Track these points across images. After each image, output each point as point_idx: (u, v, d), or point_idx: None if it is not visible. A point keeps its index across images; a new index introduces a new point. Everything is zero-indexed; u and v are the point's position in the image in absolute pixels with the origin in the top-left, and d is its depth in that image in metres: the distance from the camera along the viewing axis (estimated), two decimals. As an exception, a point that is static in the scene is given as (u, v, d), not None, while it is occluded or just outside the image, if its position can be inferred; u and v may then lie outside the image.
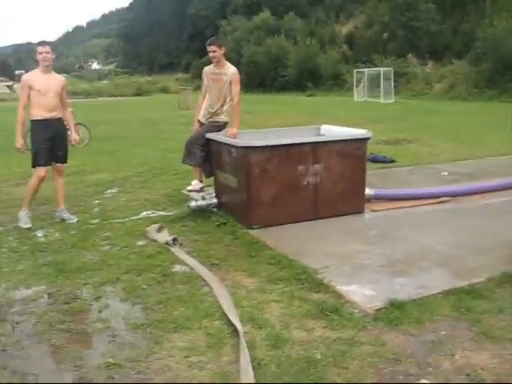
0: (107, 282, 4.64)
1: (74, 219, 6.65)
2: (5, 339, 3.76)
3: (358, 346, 3.47)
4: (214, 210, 6.63)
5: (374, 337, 3.59)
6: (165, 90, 57.01)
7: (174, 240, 5.49)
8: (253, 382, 3.06)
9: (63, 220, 6.64)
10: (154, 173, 9.59)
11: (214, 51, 6.79)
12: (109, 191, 8.01)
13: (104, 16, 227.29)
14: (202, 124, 7.13)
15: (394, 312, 3.89)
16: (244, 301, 4.16)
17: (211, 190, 6.96)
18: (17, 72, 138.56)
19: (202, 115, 7.15)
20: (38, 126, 6.39)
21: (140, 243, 5.66)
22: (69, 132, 6.81)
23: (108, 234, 6.06)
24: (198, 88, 47.24)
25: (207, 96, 7.10)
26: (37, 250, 5.60)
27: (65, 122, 6.73)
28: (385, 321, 3.79)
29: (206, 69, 7.13)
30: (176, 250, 5.34)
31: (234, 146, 6.08)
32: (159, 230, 5.83)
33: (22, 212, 6.50)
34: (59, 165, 6.66)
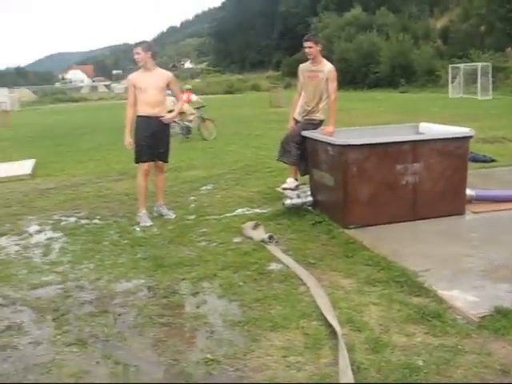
0: (204, 277, 4.70)
1: (172, 215, 6.80)
2: (108, 330, 3.88)
3: (462, 355, 3.30)
4: (309, 208, 6.57)
5: (479, 345, 3.41)
6: (256, 88, 57.38)
7: (270, 238, 5.48)
8: (353, 386, 2.99)
9: (161, 215, 6.80)
10: (247, 170, 9.64)
11: (310, 47, 6.72)
12: (204, 188, 8.14)
13: (197, 16, 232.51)
14: (297, 122, 7.09)
15: (501, 320, 3.67)
16: (342, 302, 4.08)
17: (306, 188, 6.90)
18: (114, 72, 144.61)
19: (297, 113, 7.11)
20: (141, 122, 6.57)
21: (236, 240, 5.69)
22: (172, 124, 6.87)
23: (204, 230, 6.14)
24: (288, 86, 47.40)
25: (303, 93, 7.04)
26: (136, 244, 5.77)
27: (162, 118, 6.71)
28: (490, 329, 3.59)
29: (302, 66, 7.07)
30: (272, 247, 5.33)
31: (330, 144, 5.99)
32: (255, 227, 5.84)
33: (140, 214, 6.67)
34: (160, 163, 6.83)
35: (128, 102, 6.67)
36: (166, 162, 6.92)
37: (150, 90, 6.51)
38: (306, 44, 6.73)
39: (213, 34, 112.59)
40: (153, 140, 6.58)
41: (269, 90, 35.71)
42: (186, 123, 15.33)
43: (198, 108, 15.87)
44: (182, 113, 14.96)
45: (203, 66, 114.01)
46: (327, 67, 6.75)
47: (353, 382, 3.03)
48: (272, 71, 76.79)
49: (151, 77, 6.57)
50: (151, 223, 6.53)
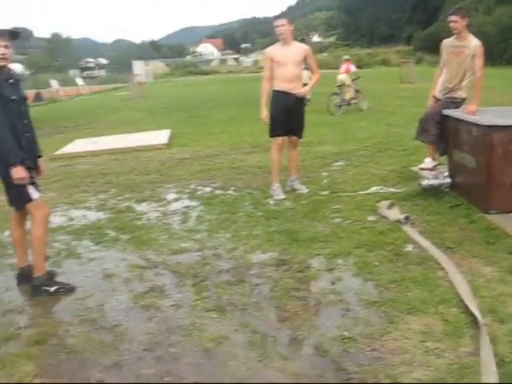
0: (339, 254, 4.68)
1: (305, 189, 6.82)
2: (245, 299, 3.98)
3: None
4: (447, 190, 6.30)
5: None
6: (385, 63, 55.85)
7: (406, 218, 5.34)
8: (496, 379, 2.86)
9: (294, 190, 6.84)
10: (379, 147, 9.42)
11: (455, 21, 6.36)
12: (336, 164, 8.08)
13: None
14: (437, 100, 6.80)
15: None
16: (483, 290, 3.89)
17: (444, 170, 6.63)
18: (242, 45, 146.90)
19: (438, 90, 6.82)
20: (277, 96, 6.56)
21: (370, 218, 5.60)
22: (306, 101, 6.87)
23: (338, 206, 6.10)
24: (420, 61, 45.74)
25: (445, 70, 6.73)
26: (271, 216, 5.86)
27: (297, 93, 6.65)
28: None
29: (446, 41, 6.73)
30: (408, 229, 5.19)
31: (474, 124, 5.69)
32: (390, 206, 5.71)
33: (273, 187, 6.75)
34: (294, 138, 6.82)
35: (264, 76, 6.67)
36: (301, 137, 6.90)
37: (289, 65, 6.48)
38: (451, 18, 6.38)
39: (342, 8, 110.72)
40: (288, 115, 6.57)
41: (399, 65, 34.58)
42: (345, 95, 15.63)
43: (354, 80, 16.05)
44: (341, 85, 15.51)
45: (331, 39, 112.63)
46: (473, 43, 6.39)
47: (496, 375, 2.89)
48: (403, 45, 74.23)
49: (289, 50, 6.51)
50: (284, 197, 6.58)
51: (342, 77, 15.83)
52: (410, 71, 28.87)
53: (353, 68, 16.52)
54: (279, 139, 6.69)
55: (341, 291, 4.02)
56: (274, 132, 6.68)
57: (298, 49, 6.62)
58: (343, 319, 3.62)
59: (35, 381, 3.15)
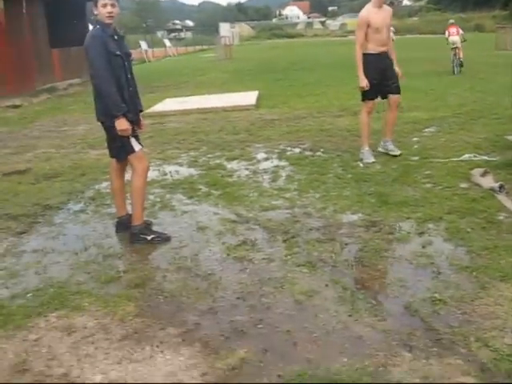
0: (430, 219, 4.65)
1: (398, 151, 6.77)
2: (335, 257, 4.06)
3: None
4: (545, 159, 6.08)
5: None
6: (479, 29, 53.36)
7: (501, 187, 5.20)
8: None
9: (387, 151, 6.82)
10: (472, 115, 9.14)
11: None
12: (427, 130, 7.92)
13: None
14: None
15: None
16: None
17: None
18: (330, 8, 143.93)
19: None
20: (371, 59, 6.49)
21: (462, 185, 5.50)
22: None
23: (429, 172, 6.02)
24: (517, 27, 43.27)
25: None
26: (360, 179, 5.87)
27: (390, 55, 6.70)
28: None
29: None
30: (502, 197, 5.07)
31: None
32: (483, 174, 5.58)
33: (363, 150, 6.74)
34: (396, 96, 6.75)
35: (358, 41, 6.52)
36: (399, 93, 6.79)
37: (384, 28, 6.46)
38: None
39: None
40: (383, 76, 6.55)
41: (495, 30, 33.01)
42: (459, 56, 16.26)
43: (462, 42, 16.65)
44: (455, 47, 16.23)
45: (422, 3, 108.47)
46: None
47: None
48: (499, 10, 70.61)
49: (384, 13, 6.48)
50: (374, 160, 6.57)
51: (455, 38, 16.53)
52: (506, 37, 27.51)
53: (460, 30, 17.11)
54: (370, 103, 6.71)
55: (432, 255, 4.01)
56: (367, 96, 6.67)
57: (388, 11, 6.60)
58: (434, 282, 3.62)
59: (136, 319, 3.36)
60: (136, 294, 3.69)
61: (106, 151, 7.66)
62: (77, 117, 12.14)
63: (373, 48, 6.48)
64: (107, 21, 4.34)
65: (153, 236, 4.61)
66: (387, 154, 6.79)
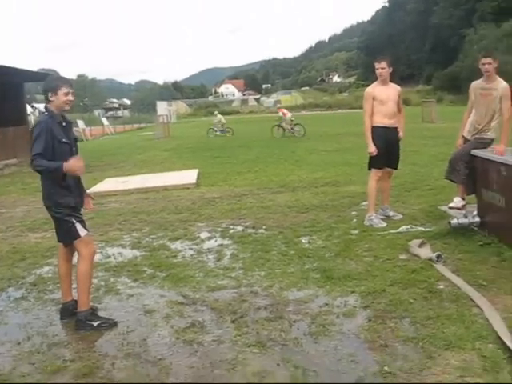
0: (374, 292, 4.77)
1: (399, 215, 7.35)
2: (284, 335, 4.09)
3: None
4: (476, 229, 6.39)
5: None
6: (406, 102, 55.69)
7: (438, 257, 5.43)
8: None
9: (388, 217, 7.32)
10: (406, 187, 9.54)
11: (489, 64, 6.56)
12: (364, 203, 8.15)
13: (345, 30, 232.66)
14: (466, 140, 6.95)
15: None
16: (519, 327, 3.96)
17: (473, 209, 6.72)
18: (264, 86, 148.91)
19: (466, 131, 6.97)
20: (379, 131, 7.08)
21: (402, 257, 5.70)
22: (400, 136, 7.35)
23: (369, 245, 6.21)
24: (440, 100, 45.90)
25: (473, 111, 6.90)
26: (304, 255, 5.99)
27: (398, 129, 7.29)
28: None
29: (474, 84, 6.92)
30: (440, 267, 5.28)
31: (503, 164, 5.81)
32: (421, 245, 5.80)
33: (371, 217, 7.14)
34: (390, 170, 7.40)
35: (366, 113, 7.19)
36: (396, 168, 7.52)
37: (389, 103, 7.06)
38: (486, 60, 6.59)
39: (362, 48, 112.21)
40: (388, 148, 7.12)
41: (420, 104, 34.91)
42: None
43: None
44: None
45: (351, 79, 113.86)
46: (502, 85, 6.56)
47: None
48: (422, 85, 74.90)
49: (389, 90, 7.14)
50: (385, 224, 6.98)
51: None
52: (431, 111, 29.13)
53: None
54: (379, 171, 7.20)
55: (377, 328, 4.10)
56: (376, 164, 7.20)
57: (395, 88, 7.27)
58: (382, 354, 3.70)
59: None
60: (84, 384, 3.59)
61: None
62: (14, 198, 11.89)
63: (380, 121, 7.07)
64: (66, 107, 4.45)
65: (99, 322, 4.52)
66: (328, 229, 6.98)
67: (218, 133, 30.36)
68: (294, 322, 4.31)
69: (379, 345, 3.84)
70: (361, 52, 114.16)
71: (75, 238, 4.51)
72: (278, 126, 25.86)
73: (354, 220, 7.41)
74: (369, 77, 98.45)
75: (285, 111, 26.80)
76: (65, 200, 4.44)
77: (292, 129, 25.46)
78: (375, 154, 7.07)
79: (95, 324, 4.49)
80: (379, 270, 5.31)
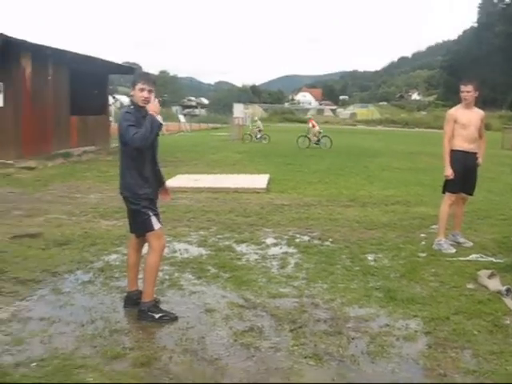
0: (437, 318, 4.66)
1: (470, 243, 7.18)
2: (342, 351, 4.07)
3: None
4: (551, 266, 6.15)
5: None
6: (486, 127, 53.52)
7: (508, 290, 5.25)
8: None
9: (458, 243, 7.17)
10: (479, 214, 9.28)
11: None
12: (434, 226, 7.98)
13: (429, 48, 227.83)
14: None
15: None
16: None
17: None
18: (341, 97, 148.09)
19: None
20: (458, 156, 6.96)
21: (469, 286, 5.55)
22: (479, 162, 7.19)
23: (436, 270, 6.08)
24: (523, 128, 44.16)
25: None
26: (368, 272, 5.93)
27: (477, 155, 7.12)
28: None
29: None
30: (509, 301, 5.11)
31: None
32: (490, 276, 5.64)
33: (441, 241, 7.02)
34: (465, 195, 7.26)
35: (446, 135, 7.08)
36: (472, 194, 7.37)
37: (471, 127, 6.94)
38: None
39: (445, 67, 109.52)
40: (466, 173, 6.99)
41: (501, 130, 33.83)
42: None
43: None
44: None
45: (431, 98, 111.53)
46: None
47: None
48: (506, 110, 72.49)
49: (471, 114, 7.00)
50: (454, 250, 6.85)
51: None
52: (512, 138, 28.19)
53: None
54: (453, 196, 7.10)
55: (438, 356, 4.02)
56: (452, 188, 7.07)
57: (478, 113, 7.12)
58: (440, 384, 3.64)
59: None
60: (141, 373, 3.69)
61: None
62: (89, 184, 12.34)
63: (459, 145, 6.95)
64: (141, 104, 4.55)
65: (160, 315, 4.64)
66: (395, 249, 6.89)
67: (255, 139, 30.75)
68: (353, 339, 4.29)
69: (438, 373, 3.77)
70: (444, 71, 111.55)
71: (149, 231, 4.65)
72: (304, 137, 26.57)
73: (423, 242, 7.28)
74: (450, 97, 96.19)
75: (314, 123, 27.39)
76: (144, 192, 4.60)
77: (318, 140, 26.03)
78: (451, 177, 6.93)
79: (157, 316, 4.62)
80: (444, 297, 5.19)
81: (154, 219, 4.64)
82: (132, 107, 4.59)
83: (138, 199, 4.60)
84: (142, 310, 4.67)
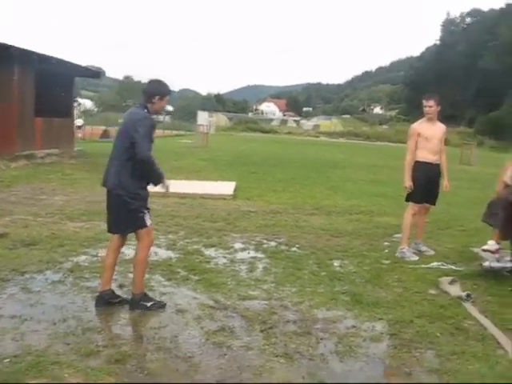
0: (401, 321, 4.85)
1: (431, 252, 7.42)
2: (311, 350, 4.21)
3: None
4: (507, 274, 6.43)
5: None
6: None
7: (468, 296, 5.49)
8: None
9: (420, 251, 7.40)
10: (439, 225, 9.55)
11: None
12: (397, 235, 8.22)
13: (392, 63, 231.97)
14: (507, 186, 7.00)
15: None
16: (544, 373, 4.01)
17: (506, 254, 6.76)
18: (304, 109, 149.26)
19: (509, 177, 7.03)
20: (422, 167, 7.21)
21: (431, 291, 5.77)
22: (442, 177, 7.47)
23: (400, 276, 6.29)
24: (480, 144, 45.53)
25: None
26: (334, 277, 6.11)
27: (440, 167, 7.41)
28: None
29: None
30: (469, 306, 5.34)
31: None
32: (451, 282, 5.87)
33: (404, 249, 7.23)
34: (428, 205, 7.49)
35: (409, 148, 7.36)
36: (434, 204, 7.62)
37: (434, 140, 7.21)
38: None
39: (407, 83, 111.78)
40: (429, 184, 7.23)
41: (459, 146, 34.73)
42: None
43: None
44: None
45: (393, 113, 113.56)
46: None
47: None
48: (464, 127, 74.37)
49: (434, 128, 7.29)
50: (417, 258, 7.06)
51: None
52: (470, 153, 28.97)
53: None
54: (417, 206, 7.32)
55: (403, 356, 4.19)
56: (415, 198, 7.30)
57: (440, 127, 7.42)
58: (406, 381, 3.80)
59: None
60: (116, 369, 3.75)
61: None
62: (54, 187, 12.22)
63: (424, 156, 7.20)
64: (160, 112, 4.99)
65: (152, 303, 4.91)
66: (360, 256, 7.09)
67: None
68: (322, 339, 4.43)
69: (403, 372, 3.94)
70: (406, 86, 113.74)
71: (142, 227, 4.87)
72: None
73: (386, 250, 7.50)
74: (411, 112, 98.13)
75: None
76: (143, 192, 4.88)
77: None
78: (410, 190, 7.18)
79: (148, 305, 4.88)
80: (408, 302, 5.39)
81: (147, 216, 4.88)
82: (147, 112, 4.83)
83: (137, 199, 4.81)
84: (134, 301, 4.90)
